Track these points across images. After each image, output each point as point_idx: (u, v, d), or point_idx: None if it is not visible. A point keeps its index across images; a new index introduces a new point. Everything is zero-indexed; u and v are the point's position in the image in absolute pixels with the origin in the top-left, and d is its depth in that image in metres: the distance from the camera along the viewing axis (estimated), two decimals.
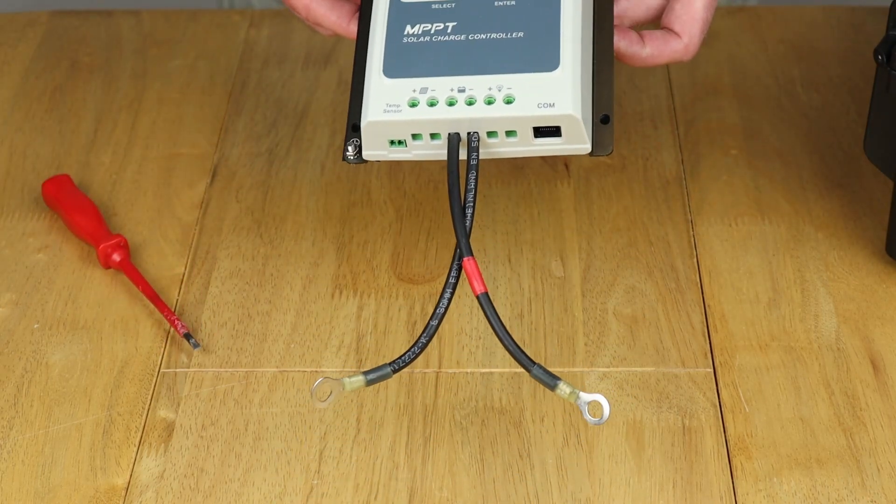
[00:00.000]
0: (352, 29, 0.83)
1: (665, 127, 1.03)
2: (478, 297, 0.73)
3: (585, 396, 0.72)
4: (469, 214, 0.75)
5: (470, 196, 0.75)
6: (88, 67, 1.11)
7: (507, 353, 0.85)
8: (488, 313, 0.73)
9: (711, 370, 0.84)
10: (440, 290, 0.89)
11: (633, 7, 0.84)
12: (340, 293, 0.90)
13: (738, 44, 1.12)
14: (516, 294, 0.90)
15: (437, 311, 0.75)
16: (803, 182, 0.98)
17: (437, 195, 0.97)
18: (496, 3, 0.79)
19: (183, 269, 0.92)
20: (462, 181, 0.76)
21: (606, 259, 0.92)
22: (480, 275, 0.73)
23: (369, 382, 0.74)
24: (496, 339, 0.75)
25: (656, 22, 0.85)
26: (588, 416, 0.72)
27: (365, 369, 0.74)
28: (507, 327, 0.81)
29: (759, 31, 1.13)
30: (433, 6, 0.79)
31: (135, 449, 0.80)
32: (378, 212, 0.96)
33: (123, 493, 0.77)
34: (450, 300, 0.75)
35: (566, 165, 0.99)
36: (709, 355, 0.85)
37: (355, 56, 0.82)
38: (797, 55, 1.10)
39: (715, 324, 0.87)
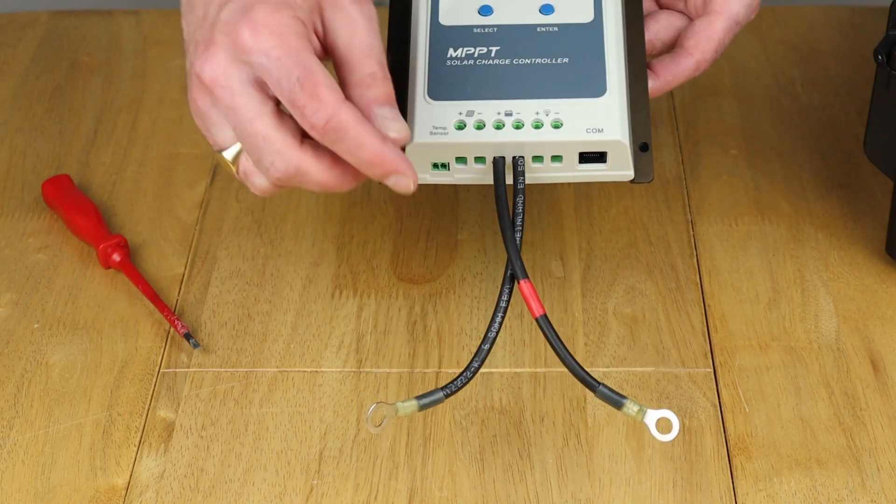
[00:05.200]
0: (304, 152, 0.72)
1: (665, 127, 1.03)
2: (537, 320, 0.72)
3: (653, 413, 0.72)
4: (518, 238, 0.74)
5: (518, 220, 0.74)
6: (88, 67, 1.11)
7: (507, 353, 0.85)
8: (548, 335, 0.72)
9: (711, 370, 0.84)
10: (440, 289, 0.90)
11: (663, 30, 0.83)
12: (340, 293, 0.90)
13: (738, 44, 1.12)
14: (516, 294, 0.89)
15: (489, 335, 0.73)
16: (803, 182, 0.98)
17: (436, 195, 0.97)
18: (539, 29, 0.78)
19: (183, 269, 0.92)
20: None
21: (606, 259, 0.92)
22: (538, 296, 0.73)
23: (422, 407, 0.73)
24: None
25: None
26: (656, 433, 0.72)
27: (418, 394, 0.74)
28: (507, 328, 0.81)
29: (759, 31, 1.13)
30: (475, 30, 0.79)
31: (135, 449, 0.80)
32: (378, 212, 0.96)
33: (123, 493, 0.77)
34: (500, 324, 0.74)
35: None
36: (709, 355, 0.85)
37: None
38: (797, 55, 1.10)
39: (715, 324, 0.87)
